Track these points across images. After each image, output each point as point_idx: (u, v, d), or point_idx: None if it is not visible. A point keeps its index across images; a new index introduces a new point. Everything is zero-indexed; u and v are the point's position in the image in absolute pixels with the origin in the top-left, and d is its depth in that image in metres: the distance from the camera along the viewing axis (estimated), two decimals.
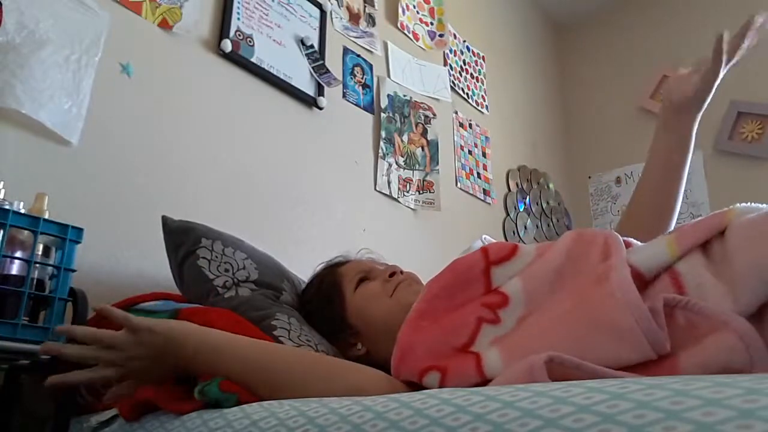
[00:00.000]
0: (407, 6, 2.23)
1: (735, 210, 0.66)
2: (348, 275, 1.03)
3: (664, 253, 0.64)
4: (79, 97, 1.17)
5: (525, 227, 2.53)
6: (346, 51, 1.91)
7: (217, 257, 1.04)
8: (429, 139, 2.13)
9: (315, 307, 1.04)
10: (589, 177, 3.03)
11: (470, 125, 2.40)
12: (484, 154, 2.43)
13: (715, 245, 0.64)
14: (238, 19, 1.56)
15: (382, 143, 1.93)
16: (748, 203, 0.68)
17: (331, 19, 1.88)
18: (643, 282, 0.63)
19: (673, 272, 0.63)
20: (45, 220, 0.84)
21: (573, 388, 0.39)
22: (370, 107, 1.94)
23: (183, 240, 1.06)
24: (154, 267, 1.22)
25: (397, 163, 1.97)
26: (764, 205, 0.67)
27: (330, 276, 1.06)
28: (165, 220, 1.10)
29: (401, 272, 1.02)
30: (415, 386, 0.69)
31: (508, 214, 2.47)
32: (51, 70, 1.13)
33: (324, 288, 1.05)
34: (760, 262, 0.55)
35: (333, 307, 1.00)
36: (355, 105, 1.89)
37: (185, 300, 1.05)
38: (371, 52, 2.00)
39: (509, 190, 2.54)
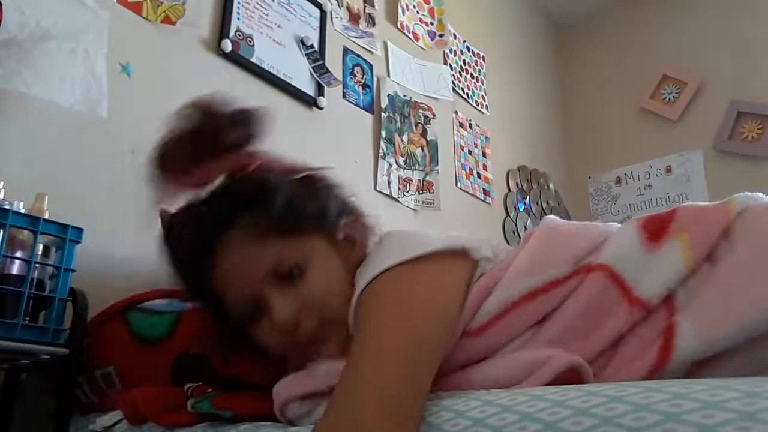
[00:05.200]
0: (407, 6, 2.23)
1: (735, 201, 0.61)
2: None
3: (678, 270, 0.58)
4: (95, 78, 1.17)
5: (525, 227, 2.52)
6: (346, 51, 1.91)
7: None
8: (429, 139, 2.13)
9: None
10: (589, 177, 3.03)
11: (470, 125, 2.40)
12: (484, 154, 2.43)
13: (718, 248, 0.59)
14: (238, 19, 1.56)
15: (382, 143, 1.93)
16: (747, 193, 0.64)
17: (331, 19, 1.88)
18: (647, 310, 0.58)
19: (669, 297, 0.58)
20: (45, 220, 0.84)
21: (571, 392, 0.39)
22: (370, 107, 1.94)
23: None
24: (154, 267, 1.21)
25: (397, 163, 1.97)
26: (762, 195, 0.63)
27: None
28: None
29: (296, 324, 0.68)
30: None
31: (508, 214, 2.47)
32: (58, 58, 1.13)
33: None
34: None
35: None
36: (355, 105, 1.89)
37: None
38: (371, 52, 2.00)
39: (509, 190, 2.54)
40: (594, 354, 0.58)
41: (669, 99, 2.83)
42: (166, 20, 1.38)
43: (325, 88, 1.74)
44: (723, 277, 0.55)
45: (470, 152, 2.35)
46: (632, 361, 0.55)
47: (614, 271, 0.61)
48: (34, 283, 0.83)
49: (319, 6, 1.82)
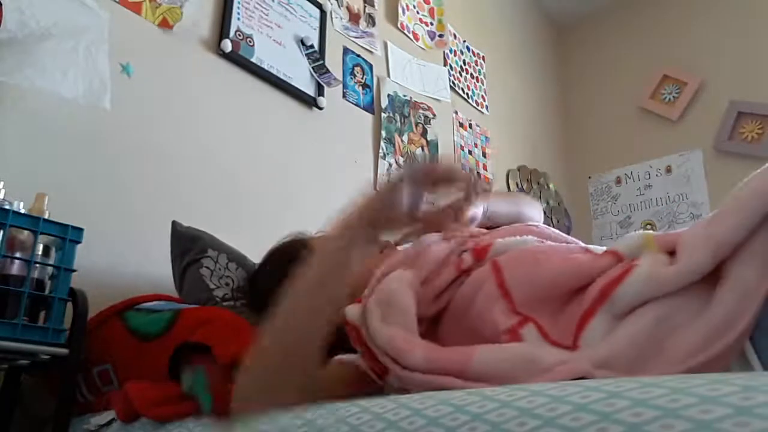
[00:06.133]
0: (407, 6, 2.23)
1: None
2: None
3: (640, 235, 0.69)
4: (98, 71, 1.18)
5: None
6: (346, 51, 1.91)
7: (220, 269, 1.07)
8: (429, 139, 2.13)
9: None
10: (589, 177, 3.03)
11: (470, 125, 2.40)
12: (484, 154, 2.43)
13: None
14: (238, 19, 1.56)
15: (382, 143, 1.93)
16: None
17: (331, 19, 1.88)
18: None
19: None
20: (45, 220, 0.84)
21: (569, 387, 0.39)
22: (370, 107, 1.94)
23: (190, 247, 1.08)
24: (154, 267, 1.22)
25: (397, 163, 1.97)
26: None
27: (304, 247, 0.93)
28: (174, 225, 1.12)
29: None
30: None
31: None
32: (60, 55, 1.13)
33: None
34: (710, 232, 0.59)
35: None
36: (355, 105, 1.89)
37: (185, 303, 1.05)
38: (371, 52, 2.01)
39: (509, 190, 2.54)
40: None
41: (669, 99, 2.83)
42: (164, 23, 1.38)
43: (325, 88, 1.74)
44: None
45: (470, 152, 2.35)
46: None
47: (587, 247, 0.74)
48: (34, 283, 0.83)
49: (319, 6, 1.83)
